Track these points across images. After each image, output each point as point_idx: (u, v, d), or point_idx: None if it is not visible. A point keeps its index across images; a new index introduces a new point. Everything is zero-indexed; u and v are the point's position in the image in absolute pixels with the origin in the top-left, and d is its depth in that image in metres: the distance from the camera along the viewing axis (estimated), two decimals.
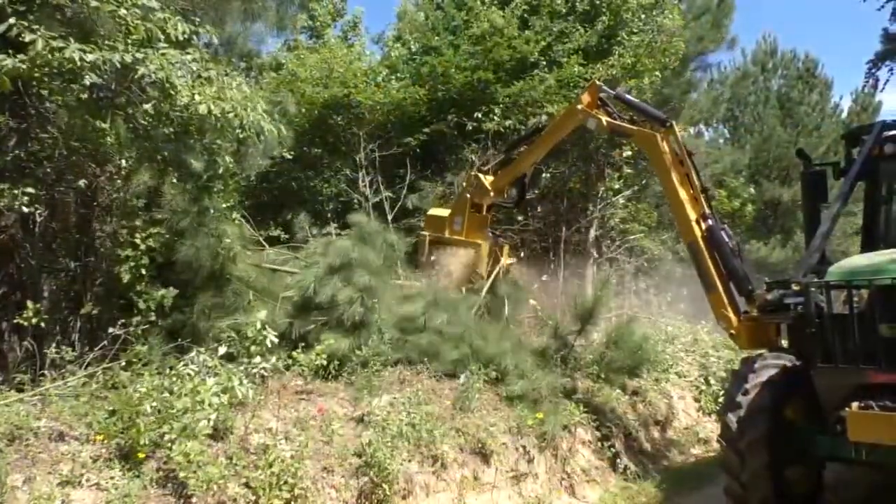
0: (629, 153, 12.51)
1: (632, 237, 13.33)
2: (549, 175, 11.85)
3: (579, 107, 8.06)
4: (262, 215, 11.93)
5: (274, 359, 6.12)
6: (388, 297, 7.66)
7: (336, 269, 7.38)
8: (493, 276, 8.86)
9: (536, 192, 10.45)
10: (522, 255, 11.79)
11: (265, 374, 6.06)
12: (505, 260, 9.23)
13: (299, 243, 9.73)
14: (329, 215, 12.77)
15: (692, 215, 7.07)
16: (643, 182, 13.59)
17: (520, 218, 11.84)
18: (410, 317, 7.60)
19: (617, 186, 12.89)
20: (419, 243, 9.56)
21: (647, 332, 9.74)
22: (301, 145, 12.44)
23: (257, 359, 5.87)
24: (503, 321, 8.31)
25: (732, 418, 5.76)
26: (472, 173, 9.49)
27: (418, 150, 12.35)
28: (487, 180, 9.14)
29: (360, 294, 7.14)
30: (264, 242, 9.30)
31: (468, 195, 9.27)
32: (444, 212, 9.75)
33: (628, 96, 8.17)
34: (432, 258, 9.29)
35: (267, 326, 5.93)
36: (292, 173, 13.03)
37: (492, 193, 9.12)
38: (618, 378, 8.81)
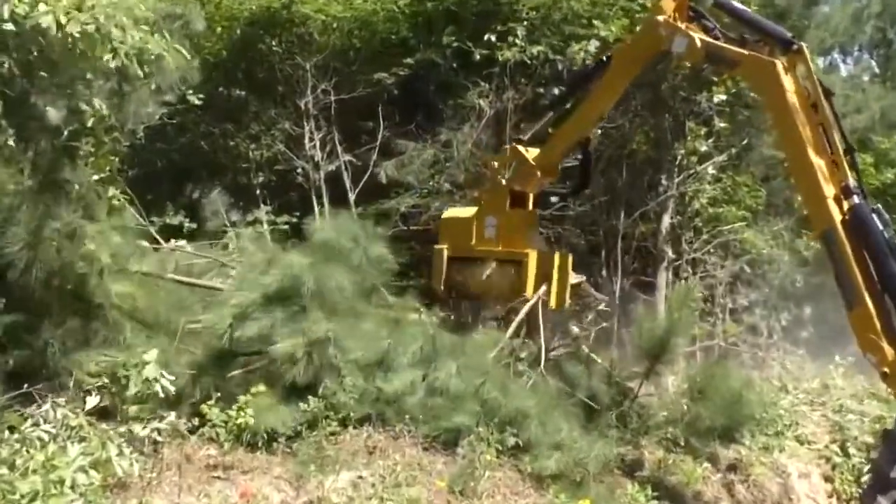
0: (724, 96, 12.49)
1: (727, 228, 13.32)
2: (598, 132, 11.82)
3: (660, 18, 8.02)
4: (154, 192, 11.90)
5: (172, 416, 6.10)
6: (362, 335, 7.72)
7: (275, 300, 7.43)
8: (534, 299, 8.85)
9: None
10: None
11: (159, 438, 6.05)
12: (557, 274, 9.17)
13: (211, 238, 9.72)
14: (259, 192, 12.74)
15: (828, 189, 7.02)
16: (745, 141, 13.58)
17: (553, 199, 11.81)
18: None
19: (704, 149, 12.87)
20: (434, 262, 9.58)
21: (750, 374, 9.72)
22: (215, 84, 12.41)
23: (136, 427, 5.87)
24: (538, 367, 8.33)
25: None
26: (509, 146, 9.46)
27: (396, 93, 12.32)
28: (531, 154, 9.08)
29: (309, 350, 7.16)
30: (158, 236, 9.28)
31: (503, 181, 9.22)
32: (466, 212, 9.71)
33: (736, 3, 8.12)
34: (453, 284, 9.36)
35: (160, 370, 5.90)
36: (202, 127, 13.01)
37: (539, 174, 9.05)
38: (705, 445, 8.78)
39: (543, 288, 9.01)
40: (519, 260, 8.96)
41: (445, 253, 9.37)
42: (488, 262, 9.14)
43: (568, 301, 9.38)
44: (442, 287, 9.40)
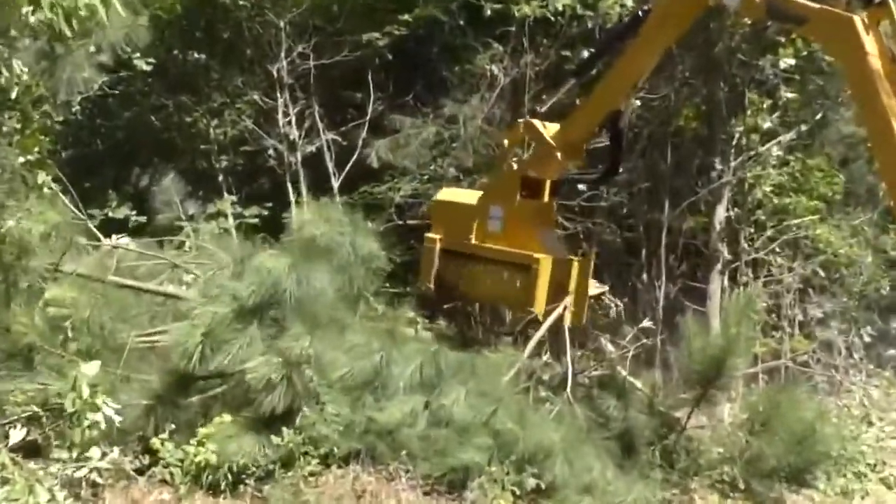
0: (792, 60, 12.47)
1: (796, 222, 13.31)
2: (637, 104, 11.82)
3: None
4: (93, 178, 11.92)
5: (116, 452, 6.12)
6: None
7: (250, 314, 7.44)
8: (557, 314, 8.84)
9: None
10: (586, 255, 11.78)
11: (99, 480, 6.08)
12: (576, 285, 9.16)
13: (163, 235, 9.71)
14: (222, 178, 12.72)
15: None
16: (819, 116, 13.56)
17: (581, 187, 11.82)
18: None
19: (768, 125, 12.83)
20: (423, 252, 9.63)
21: (824, 402, 9.69)
22: (168, 46, 12.42)
23: (93, 452, 5.86)
24: (564, 392, 8.34)
25: None
26: (523, 120, 9.43)
27: (390, 57, 12.32)
28: (549, 131, 9.06)
29: (288, 371, 7.16)
30: (97, 232, 9.28)
31: (514, 163, 9.21)
32: (467, 195, 9.70)
33: None
34: (444, 283, 9.38)
35: (101, 394, 5.90)
36: (151, 99, 13.01)
37: (559, 155, 9.02)
38: (769, 489, 8.77)
39: (570, 297, 9.01)
40: (527, 265, 8.93)
41: (438, 244, 9.38)
42: (489, 265, 9.15)
43: (586, 317, 9.36)
44: (431, 285, 9.43)
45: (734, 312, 8.75)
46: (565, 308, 8.90)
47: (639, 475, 7.89)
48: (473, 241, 9.27)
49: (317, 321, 7.53)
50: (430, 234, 9.58)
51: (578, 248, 11.07)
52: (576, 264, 9.10)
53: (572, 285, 8.99)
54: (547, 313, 8.96)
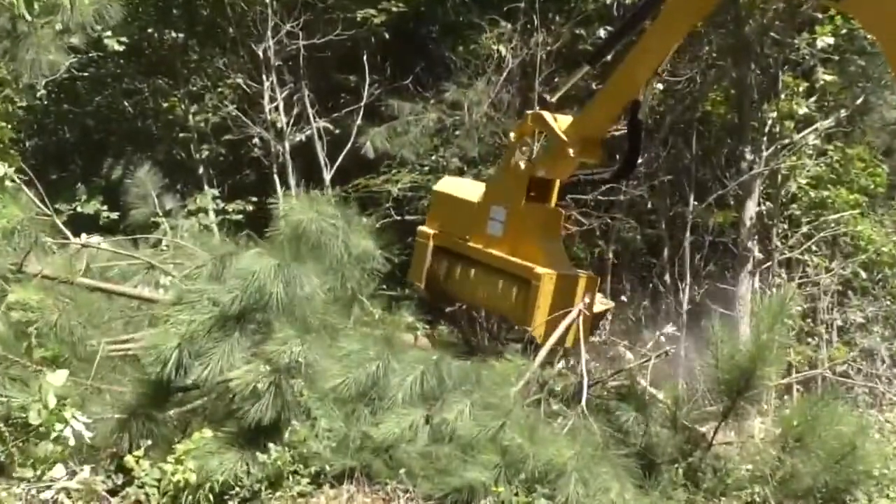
0: (831, 39, 12.46)
1: (835, 217, 13.30)
2: (659, 88, 11.82)
3: None
4: (60, 170, 11.93)
5: (87, 471, 6.16)
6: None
7: (235, 319, 7.42)
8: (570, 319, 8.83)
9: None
10: (603, 254, 11.78)
11: (68, 502, 6.06)
12: (582, 301, 9.14)
13: (138, 232, 9.72)
14: (203, 169, 12.74)
15: None
16: (860, 100, 13.55)
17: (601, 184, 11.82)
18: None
19: (804, 111, 12.84)
20: (416, 247, 9.62)
21: (866, 415, 9.69)
22: (143, 24, 12.41)
23: (57, 469, 5.88)
24: (578, 405, 8.34)
25: None
26: (532, 112, 9.40)
27: (387, 37, 12.32)
28: (561, 124, 9.00)
29: (275, 378, 7.16)
30: (65, 229, 9.30)
31: (521, 163, 9.15)
32: (470, 189, 9.65)
33: None
34: (436, 282, 9.39)
35: (70, 407, 5.93)
36: (124, 83, 13.03)
37: (572, 152, 8.95)
38: None
39: (586, 300, 8.99)
40: (527, 280, 8.89)
41: (431, 241, 9.38)
42: (485, 271, 9.13)
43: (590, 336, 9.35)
44: (421, 284, 9.43)
45: (766, 317, 8.73)
46: (580, 313, 8.89)
47: (661, 496, 7.89)
48: (470, 243, 9.26)
49: (307, 326, 7.54)
50: (423, 228, 9.54)
51: (595, 247, 11.08)
52: (581, 282, 9.07)
53: (579, 300, 8.97)
54: (559, 320, 8.95)
